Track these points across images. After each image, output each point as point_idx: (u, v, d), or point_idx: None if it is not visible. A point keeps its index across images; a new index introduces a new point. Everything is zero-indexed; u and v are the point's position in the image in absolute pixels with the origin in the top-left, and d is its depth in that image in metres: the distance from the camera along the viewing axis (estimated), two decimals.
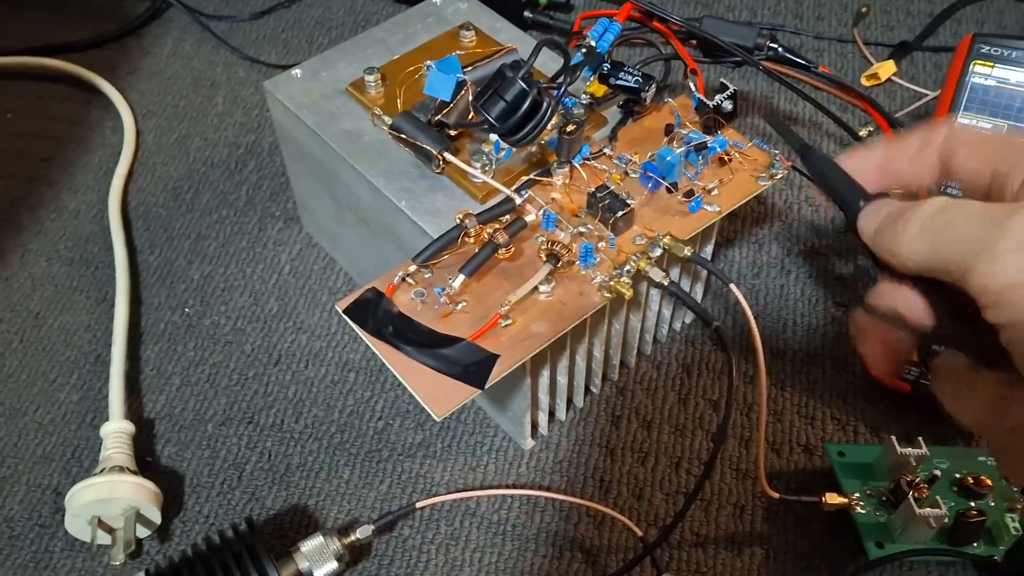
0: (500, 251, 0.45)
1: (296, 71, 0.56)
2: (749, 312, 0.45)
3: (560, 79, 0.48)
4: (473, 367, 0.43)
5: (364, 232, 0.56)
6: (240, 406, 0.56)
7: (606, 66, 0.52)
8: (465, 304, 0.45)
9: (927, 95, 0.73)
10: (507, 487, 0.53)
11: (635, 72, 0.52)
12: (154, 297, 0.62)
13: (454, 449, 0.55)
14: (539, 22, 0.77)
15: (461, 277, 0.44)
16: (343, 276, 0.63)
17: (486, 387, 0.42)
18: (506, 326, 0.44)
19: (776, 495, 0.48)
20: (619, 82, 0.52)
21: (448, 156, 0.49)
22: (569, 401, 0.55)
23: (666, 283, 0.45)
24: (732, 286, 0.45)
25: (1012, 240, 0.26)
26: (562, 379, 0.52)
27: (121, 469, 0.50)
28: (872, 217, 0.31)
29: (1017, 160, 0.30)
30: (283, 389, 0.57)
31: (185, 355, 0.59)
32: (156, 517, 0.50)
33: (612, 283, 0.45)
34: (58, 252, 0.64)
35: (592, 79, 0.53)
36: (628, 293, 0.45)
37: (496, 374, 0.42)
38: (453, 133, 0.50)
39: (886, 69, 0.74)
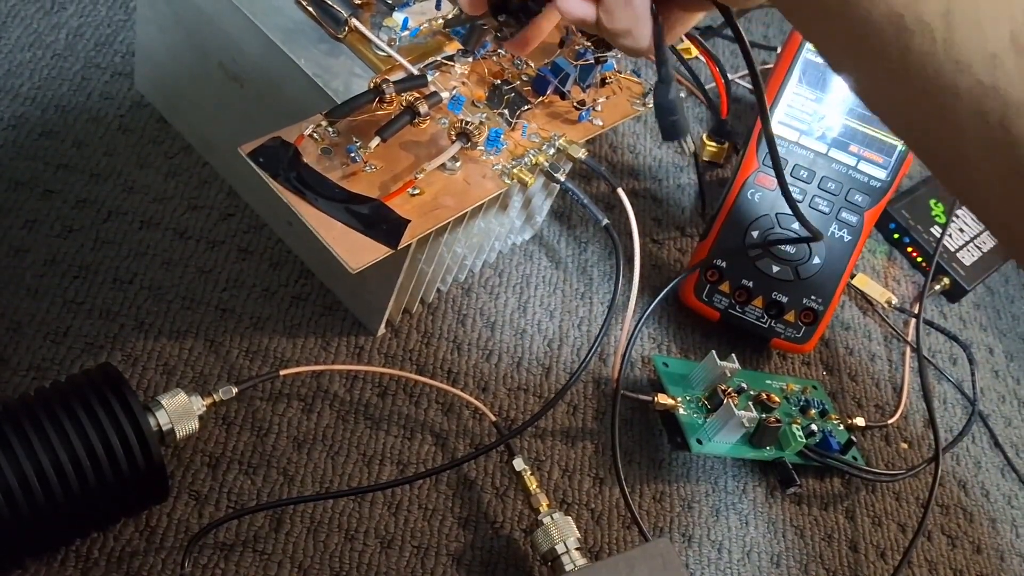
0: (417, 120, 0.45)
1: None
2: (632, 216, 0.48)
3: None
4: (385, 227, 0.43)
5: (231, 92, 0.53)
6: (64, 257, 0.51)
7: None
8: (374, 168, 0.44)
9: None
10: (366, 365, 0.52)
11: None
12: None
13: (304, 328, 0.53)
14: None
15: (377, 139, 0.44)
16: (179, 140, 0.58)
17: (398, 248, 0.42)
18: (414, 195, 0.44)
19: (626, 392, 0.53)
20: None
21: (356, 22, 0.48)
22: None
23: (562, 179, 0.48)
24: (620, 190, 0.49)
25: None
26: (427, 269, 0.52)
27: None
28: None
29: None
30: (114, 247, 0.53)
31: None
32: None
33: (515, 171, 0.47)
34: None
35: None
36: (531, 181, 0.47)
37: (408, 238, 0.43)
38: (358, 2, 0.49)
39: None
